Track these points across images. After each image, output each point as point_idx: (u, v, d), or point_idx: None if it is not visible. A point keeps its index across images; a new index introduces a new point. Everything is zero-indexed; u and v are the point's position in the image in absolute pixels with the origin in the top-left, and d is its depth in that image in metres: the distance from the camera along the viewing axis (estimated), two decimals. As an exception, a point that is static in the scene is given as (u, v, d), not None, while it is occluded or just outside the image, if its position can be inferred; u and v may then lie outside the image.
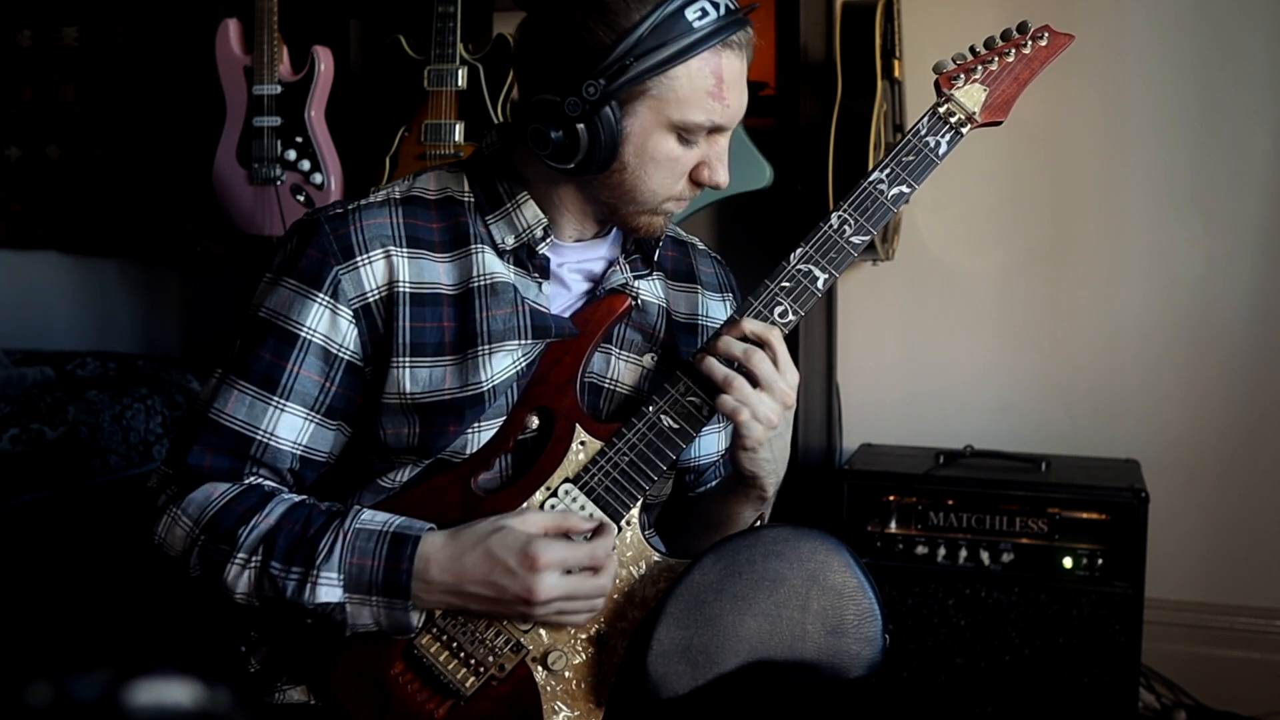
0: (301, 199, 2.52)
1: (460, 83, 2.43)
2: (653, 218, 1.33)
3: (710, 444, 1.51)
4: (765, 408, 1.27)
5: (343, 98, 2.60)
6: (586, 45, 1.23)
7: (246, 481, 1.31)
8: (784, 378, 1.29)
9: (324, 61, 2.52)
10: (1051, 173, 2.72)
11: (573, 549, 1.24)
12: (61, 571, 2.42)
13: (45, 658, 2.32)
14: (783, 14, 2.55)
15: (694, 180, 1.31)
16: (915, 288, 2.79)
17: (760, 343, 1.29)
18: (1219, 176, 2.64)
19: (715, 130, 1.29)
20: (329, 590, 1.23)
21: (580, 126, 1.24)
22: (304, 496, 1.32)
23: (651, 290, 1.43)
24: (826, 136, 2.40)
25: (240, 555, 1.25)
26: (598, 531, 1.28)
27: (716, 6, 1.24)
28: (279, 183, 2.53)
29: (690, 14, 1.22)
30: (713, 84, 1.25)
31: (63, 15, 3.21)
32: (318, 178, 2.51)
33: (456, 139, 2.43)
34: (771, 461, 1.33)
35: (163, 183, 3.12)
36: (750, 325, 1.29)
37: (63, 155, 3.23)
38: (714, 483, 1.54)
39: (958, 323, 2.80)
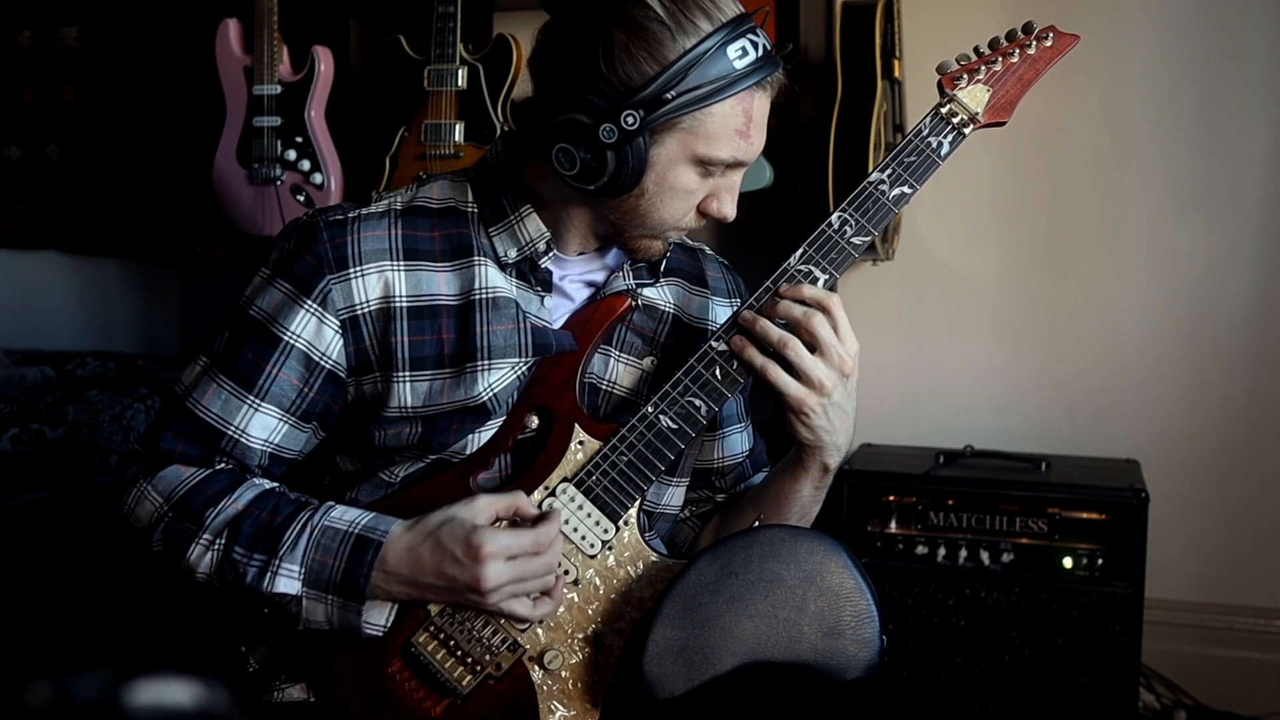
0: (301, 199, 2.52)
1: (460, 83, 2.43)
2: (653, 242, 1.34)
3: (735, 444, 1.52)
4: (819, 372, 1.28)
5: (343, 98, 2.60)
6: (626, 71, 1.21)
7: (218, 465, 1.32)
8: (843, 344, 1.29)
9: (324, 61, 2.52)
10: (1051, 173, 2.72)
11: (516, 535, 1.24)
12: (61, 571, 2.42)
13: (45, 658, 2.32)
14: (783, 14, 2.55)
15: (701, 211, 1.32)
16: (915, 288, 2.79)
17: (821, 308, 1.29)
18: (1219, 176, 2.64)
19: (734, 165, 1.29)
20: (288, 582, 1.24)
21: (610, 153, 1.23)
22: (275, 484, 1.33)
23: (660, 296, 1.44)
24: (826, 136, 2.40)
25: (205, 537, 1.26)
26: (544, 516, 1.28)
27: (755, 46, 1.24)
28: (279, 183, 2.53)
29: (732, 52, 1.22)
30: (742, 123, 1.25)
31: (63, 15, 3.21)
32: (318, 178, 2.51)
33: (456, 139, 2.43)
34: (829, 432, 1.32)
35: (163, 183, 3.12)
36: (810, 290, 1.29)
37: (63, 155, 3.23)
38: (751, 479, 1.55)
39: (958, 323, 2.80)
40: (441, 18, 2.42)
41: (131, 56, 3.15)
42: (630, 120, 1.21)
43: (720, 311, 1.50)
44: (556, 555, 1.27)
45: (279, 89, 2.52)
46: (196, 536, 1.26)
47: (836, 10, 2.51)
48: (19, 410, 2.46)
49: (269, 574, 1.24)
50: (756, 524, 1.37)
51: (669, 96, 1.21)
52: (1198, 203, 2.66)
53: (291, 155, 2.52)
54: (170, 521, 1.28)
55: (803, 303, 1.29)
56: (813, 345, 1.28)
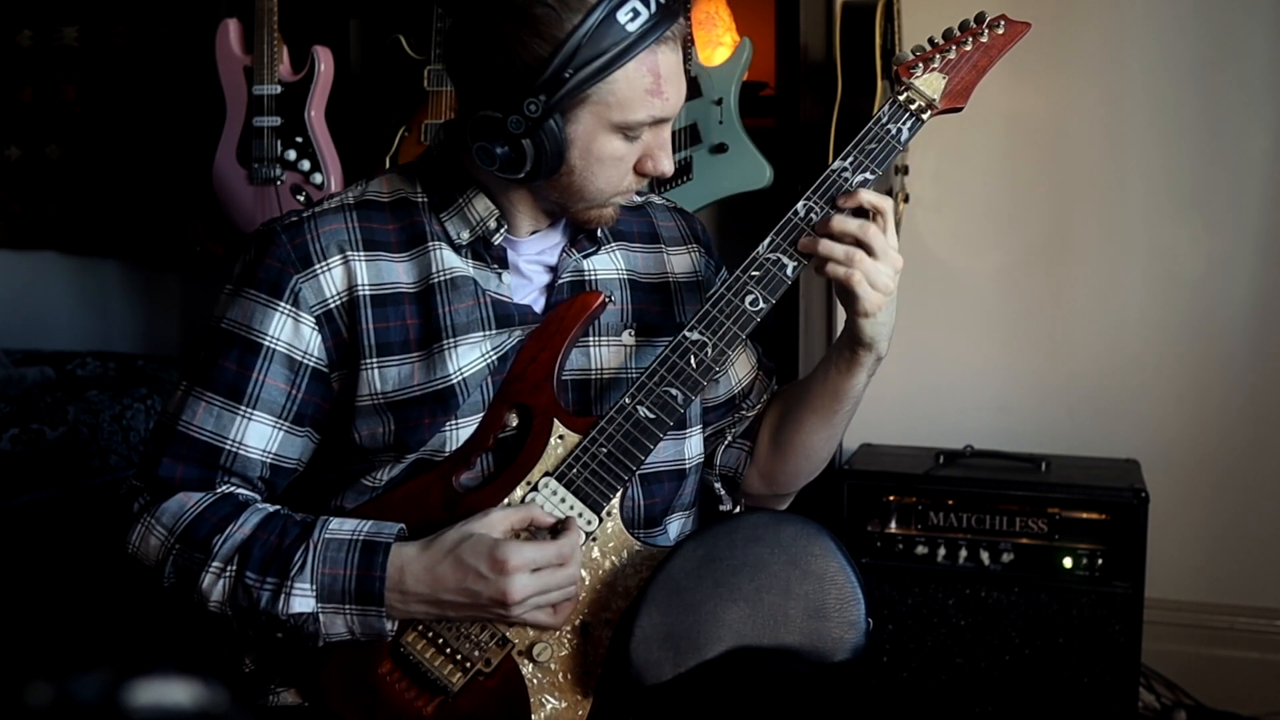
0: (301, 199, 2.52)
1: (460, 83, 2.43)
2: (602, 210, 1.35)
3: (743, 365, 1.55)
4: (883, 276, 1.31)
5: (343, 98, 2.60)
6: (522, 59, 1.22)
7: (220, 490, 1.31)
8: (892, 244, 1.32)
9: (324, 61, 2.52)
10: (1051, 172, 2.72)
11: (540, 548, 1.25)
12: (61, 571, 2.42)
13: (45, 658, 2.32)
14: (783, 14, 2.55)
15: (639, 172, 1.32)
16: (915, 288, 2.78)
17: (877, 213, 1.32)
18: (1219, 176, 2.64)
19: (657, 123, 1.30)
20: (302, 601, 1.24)
21: (525, 141, 1.24)
22: (278, 506, 1.33)
23: (611, 263, 1.44)
24: (826, 136, 2.39)
25: (215, 564, 1.26)
26: (563, 526, 1.28)
27: (647, 4, 1.23)
28: (279, 183, 2.53)
29: (622, 17, 1.21)
30: (650, 81, 1.25)
31: (63, 15, 3.21)
32: (318, 178, 2.51)
33: (456, 139, 2.42)
34: (888, 325, 1.37)
35: (163, 183, 3.12)
36: (867, 195, 1.33)
37: (63, 155, 3.23)
38: (770, 385, 1.57)
39: (957, 323, 2.80)
40: (442, 18, 2.42)
41: (131, 56, 3.15)
42: (533, 108, 1.22)
43: (678, 260, 1.50)
44: (579, 565, 1.28)
45: (279, 89, 2.52)
46: (206, 565, 1.26)
47: (836, 10, 2.50)
48: (19, 410, 2.46)
49: (283, 596, 1.24)
50: (738, 510, 1.38)
51: (566, 75, 1.21)
52: (1198, 203, 2.65)
53: (291, 155, 2.52)
54: (178, 553, 1.28)
55: (858, 210, 1.33)
56: (868, 252, 1.31)
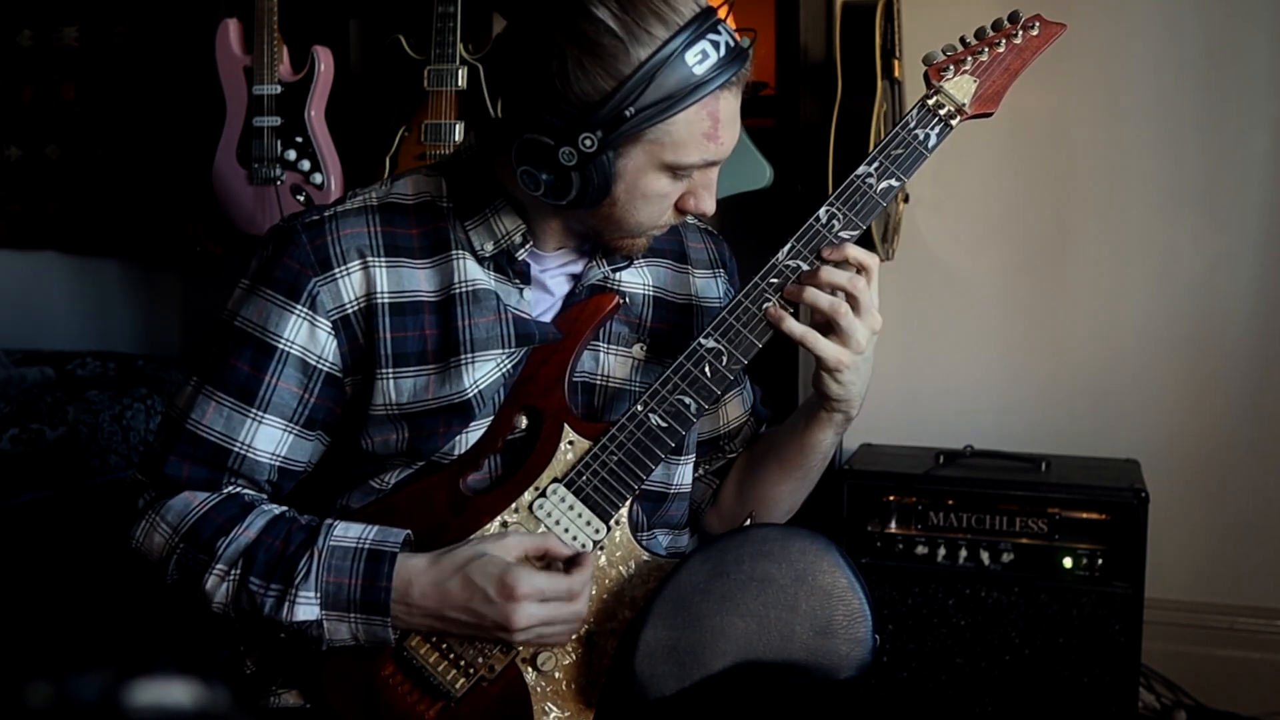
0: (301, 199, 2.52)
1: (460, 83, 2.43)
2: (635, 240, 1.32)
3: (737, 406, 1.53)
4: (860, 333, 1.28)
5: (343, 98, 2.60)
6: (582, 89, 1.18)
7: (226, 490, 1.30)
8: (875, 303, 1.30)
9: (324, 61, 2.52)
10: (1052, 172, 2.72)
11: (550, 579, 1.23)
12: (61, 571, 2.42)
13: (45, 658, 2.32)
14: (783, 14, 2.55)
15: (680, 209, 1.30)
16: (915, 288, 2.79)
17: (862, 268, 1.29)
18: (1219, 176, 2.64)
19: (707, 165, 1.27)
20: (306, 609, 1.23)
21: (574, 173, 1.21)
22: (284, 509, 1.31)
23: (638, 278, 1.42)
24: (826, 136, 2.39)
25: (219, 567, 1.25)
26: (576, 561, 1.27)
27: (717, 46, 1.20)
28: (279, 183, 2.53)
29: (690, 58, 1.18)
30: (709, 126, 1.22)
31: (63, 15, 3.21)
32: (318, 178, 2.51)
33: (457, 139, 2.43)
34: (858, 385, 1.33)
35: (163, 183, 3.12)
36: (854, 252, 1.29)
37: (63, 155, 3.23)
38: (759, 433, 1.56)
39: (958, 323, 2.80)
40: (441, 18, 2.42)
41: (131, 56, 3.15)
42: (588, 143, 1.19)
43: (703, 284, 1.48)
44: (586, 601, 1.27)
45: (279, 89, 2.52)
46: (210, 567, 1.25)
47: (836, 10, 2.50)
48: (19, 410, 2.46)
49: (287, 603, 1.23)
50: (748, 523, 1.38)
51: (627, 114, 1.17)
52: (1198, 202, 2.65)
53: (291, 155, 2.52)
54: (182, 552, 1.27)
55: (843, 262, 1.30)
56: (853, 306, 1.28)
